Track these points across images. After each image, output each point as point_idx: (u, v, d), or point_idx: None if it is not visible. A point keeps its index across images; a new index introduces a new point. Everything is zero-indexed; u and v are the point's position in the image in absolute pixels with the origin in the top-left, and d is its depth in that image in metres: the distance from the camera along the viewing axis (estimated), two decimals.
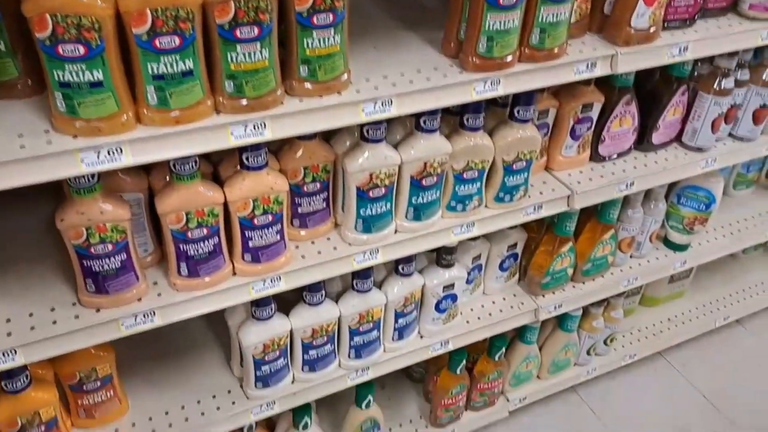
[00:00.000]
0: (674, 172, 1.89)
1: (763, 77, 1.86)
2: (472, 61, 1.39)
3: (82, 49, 1.02)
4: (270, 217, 1.40)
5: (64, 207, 1.22)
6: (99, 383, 1.53)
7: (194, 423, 1.63)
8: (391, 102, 1.33)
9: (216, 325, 1.84)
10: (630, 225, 2.04)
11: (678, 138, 1.94)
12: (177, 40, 1.07)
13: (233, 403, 1.69)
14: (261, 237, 1.41)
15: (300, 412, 1.80)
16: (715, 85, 1.79)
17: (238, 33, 1.12)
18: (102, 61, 1.05)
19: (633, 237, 2.08)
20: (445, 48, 1.47)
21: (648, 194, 2.04)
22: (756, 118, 1.92)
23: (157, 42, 1.06)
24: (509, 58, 1.40)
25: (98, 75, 1.06)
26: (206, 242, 1.36)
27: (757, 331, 2.77)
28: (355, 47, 1.38)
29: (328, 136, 1.52)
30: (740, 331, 2.77)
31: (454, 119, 1.57)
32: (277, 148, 1.47)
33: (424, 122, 1.47)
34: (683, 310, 2.65)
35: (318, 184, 1.50)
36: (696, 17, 1.61)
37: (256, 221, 1.39)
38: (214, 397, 1.70)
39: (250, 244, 1.42)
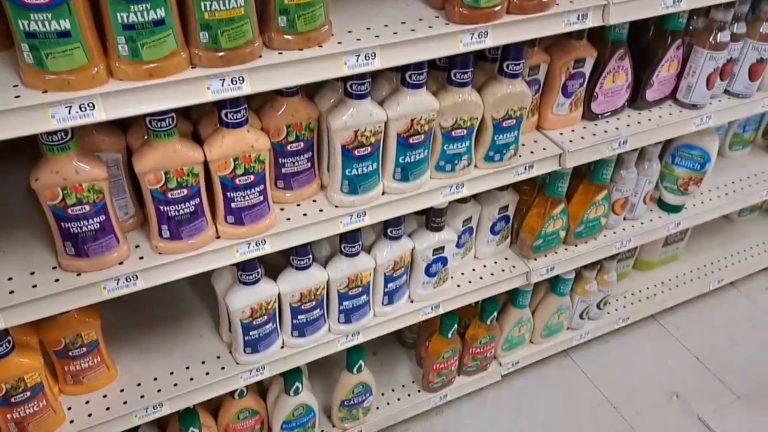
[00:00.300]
0: (668, 130, 1.85)
1: (760, 30, 1.81)
2: (458, 11, 1.34)
3: None
4: (252, 177, 1.36)
5: (39, 166, 1.18)
6: (85, 349, 1.52)
7: (183, 388, 1.62)
8: (374, 54, 1.29)
9: (204, 290, 1.82)
10: (623, 186, 2.01)
11: (672, 95, 1.89)
12: None
13: (222, 368, 1.67)
14: (243, 198, 1.38)
15: (291, 377, 1.78)
16: (710, 39, 1.74)
17: None
18: (68, 9, 1.00)
19: (626, 198, 2.05)
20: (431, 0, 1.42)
21: (642, 154, 2.00)
22: (752, 74, 1.88)
23: None
24: (497, 8, 1.35)
25: (65, 24, 1.01)
26: (187, 203, 1.33)
27: (752, 293, 2.76)
28: (337, 1, 1.34)
29: (311, 93, 1.48)
30: (734, 294, 2.76)
31: (441, 75, 1.53)
32: (259, 107, 1.42)
33: (410, 77, 1.42)
34: (677, 273, 2.64)
35: (302, 143, 1.47)
36: None
37: (237, 181, 1.35)
38: (203, 362, 1.68)
39: (233, 205, 1.38)
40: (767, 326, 2.62)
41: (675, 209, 2.20)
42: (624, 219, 2.15)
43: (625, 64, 1.73)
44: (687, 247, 2.66)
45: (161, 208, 1.32)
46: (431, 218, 1.74)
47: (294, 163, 1.49)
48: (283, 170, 1.49)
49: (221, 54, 1.15)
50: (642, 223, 2.17)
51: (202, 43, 1.14)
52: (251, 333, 1.62)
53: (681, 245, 2.62)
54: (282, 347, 1.72)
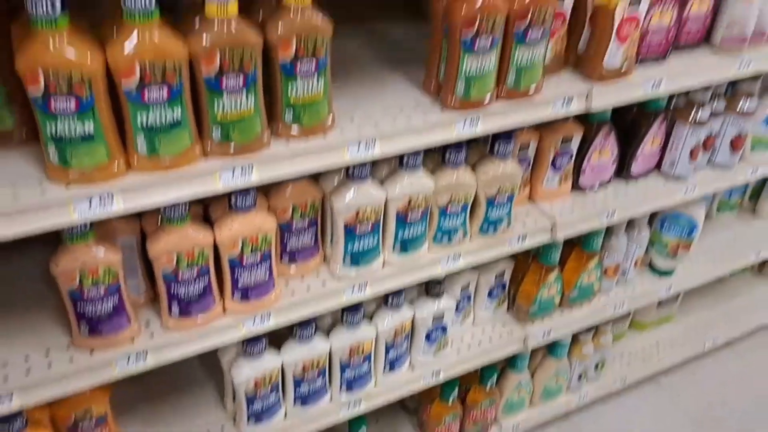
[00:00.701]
0: (655, 202, 1.93)
1: (738, 107, 1.92)
2: (451, 101, 1.44)
3: (73, 103, 1.07)
4: (259, 256, 1.43)
5: (58, 253, 1.25)
6: (94, 423, 1.55)
7: None
8: (375, 142, 1.38)
9: (210, 361, 1.86)
10: (614, 252, 2.08)
11: (657, 167, 1.99)
12: (165, 92, 1.12)
13: None
14: (250, 276, 1.45)
15: None
16: (691, 116, 1.85)
17: (224, 83, 1.17)
18: (93, 114, 1.09)
19: (618, 264, 2.12)
20: (426, 87, 1.52)
21: (631, 221, 2.08)
22: (734, 146, 1.98)
23: (145, 94, 1.11)
24: (487, 99, 1.45)
25: (89, 127, 1.10)
26: (196, 283, 1.39)
27: (744, 353, 2.80)
28: (339, 86, 1.43)
29: (315, 173, 1.57)
30: (728, 353, 2.79)
31: (436, 154, 1.62)
32: (266, 186, 1.51)
33: (408, 160, 1.51)
34: (672, 333, 2.68)
35: (306, 221, 1.54)
36: (669, 52, 1.67)
37: (245, 261, 1.42)
38: None
39: (240, 283, 1.45)
40: (760, 386, 2.65)
41: (666, 273, 2.27)
42: (617, 283, 2.21)
43: (610, 141, 1.83)
44: (680, 307, 2.71)
45: (172, 287, 1.38)
46: (430, 286, 1.81)
47: (299, 239, 1.56)
48: (288, 247, 1.56)
49: (232, 147, 1.24)
50: (635, 287, 2.23)
51: (214, 138, 1.23)
52: (255, 404, 1.66)
53: (674, 306, 2.68)
54: (285, 417, 1.75)
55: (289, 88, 1.26)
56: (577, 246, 2.02)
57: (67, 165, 1.13)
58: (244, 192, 1.34)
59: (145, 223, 1.42)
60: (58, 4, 0.99)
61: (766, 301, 2.85)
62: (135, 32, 1.06)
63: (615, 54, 1.54)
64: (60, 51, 1.02)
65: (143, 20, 1.05)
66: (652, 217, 2.16)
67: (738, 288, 2.90)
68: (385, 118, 1.42)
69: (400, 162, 1.53)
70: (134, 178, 1.18)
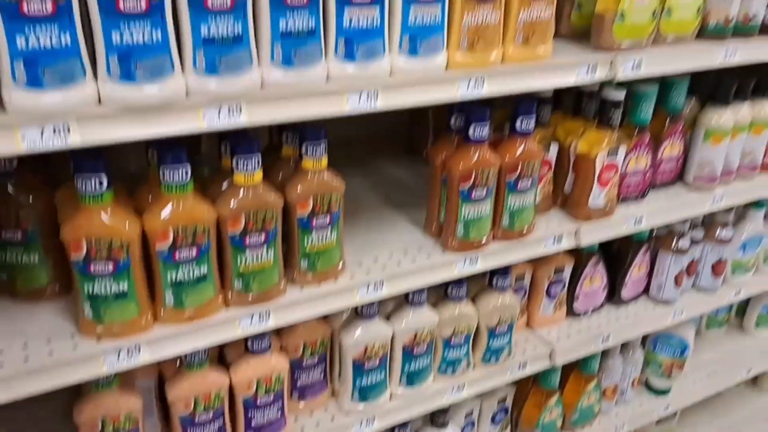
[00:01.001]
0: (646, 325, 2.02)
1: (716, 235, 2.06)
2: (451, 243, 1.56)
3: (111, 266, 1.17)
4: (272, 396, 1.49)
5: (82, 402, 1.30)
6: None
7: None
8: (383, 284, 1.48)
9: None
10: (611, 374, 2.14)
11: (646, 291, 2.09)
12: (194, 251, 1.23)
13: None
14: (263, 415, 1.49)
15: None
16: (673, 245, 1.98)
17: (247, 240, 1.28)
18: (128, 275, 1.19)
19: (615, 385, 2.17)
20: (428, 228, 1.64)
21: (625, 343, 2.16)
22: (715, 271, 2.10)
23: (176, 254, 1.21)
24: (484, 240, 1.57)
25: (123, 286, 1.19)
26: (212, 424, 1.43)
27: None
28: (347, 229, 1.55)
29: None
30: None
31: (439, 287, 1.72)
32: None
33: (413, 297, 1.61)
34: None
35: (316, 358, 1.61)
36: (647, 191, 1.83)
37: (258, 401, 1.47)
38: None
39: (253, 422, 1.49)
40: None
41: (663, 392, 2.32)
42: (616, 404, 2.25)
43: (599, 269, 1.94)
44: (679, 422, 2.73)
45: (187, 430, 1.42)
46: (435, 416, 1.84)
47: (308, 376, 1.62)
48: (299, 383, 1.62)
49: (251, 296, 1.33)
50: (633, 407, 2.27)
51: (236, 289, 1.32)
52: None
53: (673, 421, 2.69)
54: None
55: (306, 240, 1.37)
56: (576, 368, 2.09)
57: (100, 320, 1.21)
58: (261, 336, 1.42)
59: (163, 365, 1.48)
60: (104, 182, 1.11)
61: (763, 413, 2.87)
62: (171, 202, 1.18)
63: (598, 196, 1.68)
64: (103, 222, 1.13)
65: (179, 191, 1.17)
66: (644, 337, 2.24)
67: (734, 401, 2.92)
68: (391, 261, 1.53)
69: (406, 298, 1.62)
70: (160, 330, 1.26)
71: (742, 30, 1.65)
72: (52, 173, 1.34)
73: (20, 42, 0.93)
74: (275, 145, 1.47)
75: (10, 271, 1.30)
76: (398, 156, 2.11)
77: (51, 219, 1.24)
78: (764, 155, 1.96)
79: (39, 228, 1.27)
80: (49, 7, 0.92)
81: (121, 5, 0.96)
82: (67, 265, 1.22)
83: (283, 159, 1.41)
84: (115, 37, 0.98)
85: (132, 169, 1.56)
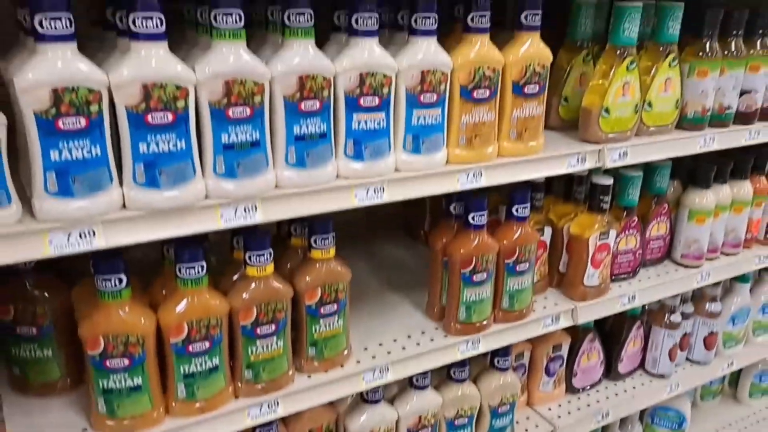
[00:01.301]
0: (643, 400, 2.05)
1: (706, 308, 2.12)
2: (454, 326, 1.60)
3: (126, 361, 1.19)
4: None
5: None
6: None
7: None
8: (388, 369, 1.51)
9: None
10: None
11: (642, 365, 2.13)
12: (207, 344, 1.26)
13: None
14: None
15: None
16: (665, 320, 2.04)
17: (258, 331, 1.31)
18: (142, 369, 1.21)
19: None
20: (430, 312, 1.69)
21: (623, 418, 2.18)
22: (707, 344, 2.15)
23: (190, 347, 1.24)
24: (485, 322, 1.62)
25: (138, 381, 1.21)
26: None
27: None
28: (351, 313, 1.58)
29: None
30: None
31: (441, 369, 1.74)
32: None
33: (417, 380, 1.63)
34: None
35: None
36: (638, 269, 1.90)
37: None
38: None
39: None
40: None
41: None
42: None
43: (596, 345, 1.99)
44: None
45: None
46: None
47: None
48: None
49: (261, 386, 1.35)
50: None
51: (245, 379, 1.34)
52: None
53: None
54: None
55: (314, 327, 1.41)
56: None
57: (113, 415, 1.22)
58: (268, 425, 1.43)
59: None
60: (124, 280, 1.15)
61: None
62: (186, 297, 1.22)
63: (592, 276, 1.75)
64: (121, 319, 1.16)
65: (194, 286, 1.22)
66: (643, 411, 2.26)
67: None
68: (395, 346, 1.56)
69: (410, 381, 1.65)
70: (172, 422, 1.27)
71: (718, 119, 1.77)
72: (68, 268, 1.37)
73: (54, 155, 0.98)
74: (283, 235, 1.52)
75: (23, 365, 1.31)
76: (395, 237, 2.17)
77: (66, 315, 1.27)
78: (746, 232, 2.05)
79: (54, 323, 1.29)
80: (83, 122, 0.99)
81: (149, 119, 1.03)
82: (79, 359, 1.24)
83: (292, 248, 1.46)
84: (143, 147, 1.04)
85: (144, 257, 1.59)
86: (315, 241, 1.36)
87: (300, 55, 1.15)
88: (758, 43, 1.78)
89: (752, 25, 1.75)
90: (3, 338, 1.31)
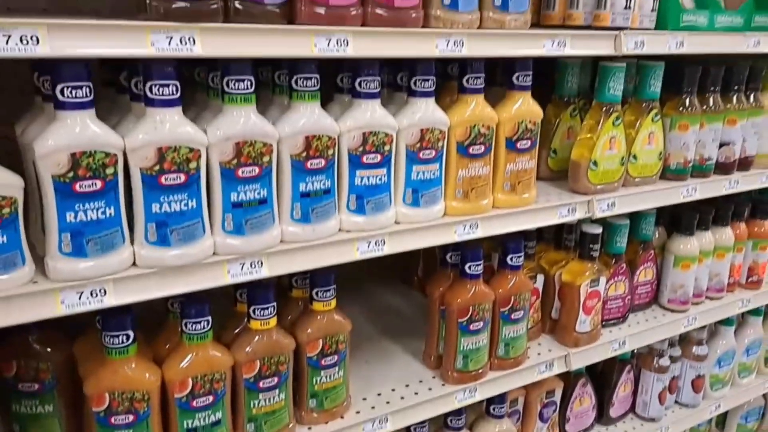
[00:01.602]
0: None
1: (693, 352, 2.17)
2: (451, 375, 1.62)
3: (131, 417, 1.19)
4: None
5: None
6: None
7: None
8: (387, 419, 1.52)
9: None
10: None
11: (632, 409, 2.16)
12: (211, 398, 1.26)
13: None
14: None
15: None
16: (654, 364, 2.08)
17: (261, 384, 1.32)
18: (147, 425, 1.21)
19: None
20: (427, 361, 1.71)
21: None
22: (695, 387, 2.19)
23: (194, 402, 1.25)
24: (482, 370, 1.64)
25: None
26: None
27: None
28: (349, 363, 1.60)
29: None
30: None
31: (438, 417, 1.76)
32: None
33: (415, 430, 1.64)
34: None
35: None
36: (627, 314, 1.95)
37: None
38: None
39: None
40: None
41: None
42: None
43: (588, 390, 2.01)
44: None
45: None
46: None
47: None
48: None
49: None
50: None
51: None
52: None
53: None
54: None
55: (314, 379, 1.42)
56: None
57: None
58: None
59: None
60: (131, 336, 1.16)
61: None
62: (191, 353, 1.23)
63: (584, 322, 1.79)
64: (127, 375, 1.17)
65: (199, 341, 1.23)
66: None
67: None
68: (394, 395, 1.58)
69: (408, 430, 1.66)
70: None
71: (699, 170, 1.85)
72: (70, 321, 1.37)
73: (69, 217, 1.01)
74: (283, 286, 1.54)
75: (24, 421, 1.30)
76: (388, 282, 2.20)
77: (69, 370, 1.27)
78: (729, 276, 2.11)
79: (56, 379, 1.29)
80: (99, 184, 1.02)
81: (163, 180, 1.06)
82: (80, 415, 1.24)
83: (293, 299, 1.49)
84: (155, 207, 1.07)
85: (145, 308, 1.60)
86: (317, 294, 1.38)
87: (306, 117, 1.20)
88: (734, 98, 1.87)
89: (728, 81, 1.85)
90: (4, 394, 1.30)
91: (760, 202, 2.17)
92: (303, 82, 1.18)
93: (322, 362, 1.41)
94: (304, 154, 1.21)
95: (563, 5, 1.58)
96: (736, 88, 1.87)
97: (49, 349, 1.29)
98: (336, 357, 1.43)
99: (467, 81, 1.40)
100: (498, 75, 1.62)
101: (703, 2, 1.71)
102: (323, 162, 1.24)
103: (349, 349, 1.46)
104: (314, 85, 1.19)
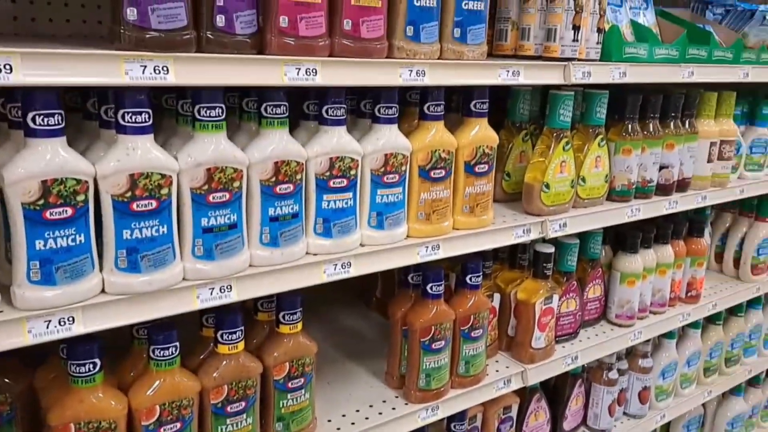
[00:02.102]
0: None
1: (639, 364, 2.28)
2: (414, 394, 1.65)
3: None
4: None
5: None
6: None
7: None
8: None
9: None
10: None
11: (584, 422, 2.24)
12: (178, 425, 1.25)
13: None
14: None
15: None
16: (603, 377, 2.17)
17: (228, 408, 1.32)
18: None
19: None
20: (389, 381, 1.74)
21: None
22: (641, 398, 2.30)
23: (161, 429, 1.23)
24: (443, 388, 1.68)
25: None
26: None
27: None
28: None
29: None
30: None
31: None
32: None
33: None
34: None
35: None
36: (579, 330, 2.03)
37: None
38: None
39: None
40: None
41: None
42: None
43: (542, 404, 2.08)
44: None
45: None
46: None
47: None
48: None
49: None
50: None
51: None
52: None
53: None
54: None
55: (281, 402, 1.42)
56: None
57: None
58: None
59: None
60: (98, 364, 1.15)
61: None
62: (158, 379, 1.22)
63: (539, 338, 1.86)
64: (93, 404, 1.15)
65: (167, 368, 1.22)
66: None
67: None
68: (358, 416, 1.60)
69: None
70: None
71: (641, 191, 1.97)
72: (30, 351, 1.34)
73: (39, 245, 1.00)
74: (248, 308, 1.54)
75: None
76: (348, 303, 2.22)
77: (29, 401, 1.24)
78: (670, 292, 2.23)
79: (15, 410, 1.25)
80: (69, 212, 1.01)
81: (134, 206, 1.06)
82: None
83: (259, 322, 1.49)
84: (126, 234, 1.07)
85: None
86: (283, 317, 1.40)
87: (275, 143, 1.22)
88: (671, 124, 2.01)
89: (666, 108, 1.98)
90: None
91: (696, 221, 2.32)
92: (272, 110, 1.21)
93: (289, 385, 1.42)
94: (273, 179, 1.23)
95: (515, 37, 1.68)
96: (673, 114, 2.00)
97: (7, 380, 1.26)
98: (302, 380, 1.44)
99: (428, 108, 1.45)
100: (456, 102, 1.69)
101: (643, 36, 1.83)
102: (291, 187, 1.26)
103: (315, 371, 1.48)
104: (283, 113, 1.22)
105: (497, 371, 1.83)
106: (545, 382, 2.09)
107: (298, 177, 1.27)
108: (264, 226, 1.25)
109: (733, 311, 2.61)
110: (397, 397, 1.69)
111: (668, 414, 2.42)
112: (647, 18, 1.88)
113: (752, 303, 2.66)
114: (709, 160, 2.14)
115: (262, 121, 1.22)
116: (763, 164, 2.42)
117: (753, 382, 2.83)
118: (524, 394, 2.05)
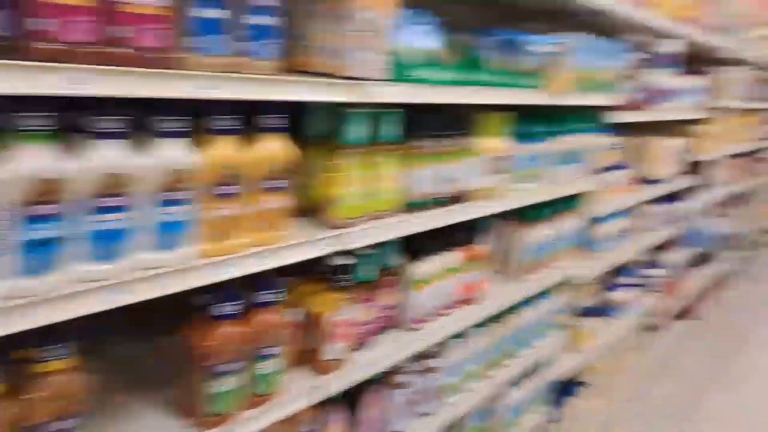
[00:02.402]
0: None
1: (428, 365, 2.41)
2: (207, 420, 1.56)
3: None
4: None
5: None
6: None
7: None
8: None
9: None
10: None
11: (382, 427, 2.32)
12: None
13: None
14: None
15: None
16: (398, 381, 2.26)
17: None
18: None
19: None
20: (180, 410, 1.63)
21: None
22: (433, 397, 2.44)
23: None
24: (237, 410, 1.62)
25: None
26: None
27: None
28: (98, 428, 1.46)
29: None
30: None
31: None
32: None
33: None
34: None
35: None
36: (377, 337, 2.10)
37: None
38: None
39: None
40: None
41: None
42: None
43: (342, 415, 2.11)
44: None
45: None
46: None
47: None
48: None
49: None
50: None
51: None
52: None
53: None
54: None
55: None
56: None
57: None
58: None
59: None
60: None
61: None
62: None
63: (335, 350, 1.88)
64: None
65: None
66: None
67: None
68: None
69: None
70: None
71: (438, 202, 2.10)
72: None
73: None
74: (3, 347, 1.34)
75: None
76: (126, 332, 2.02)
77: None
78: (456, 295, 2.41)
79: None
80: None
81: None
82: None
83: (16, 361, 1.29)
84: None
85: None
86: (48, 352, 1.23)
87: (37, 158, 1.07)
88: (456, 140, 2.15)
89: (451, 126, 2.13)
90: None
91: (476, 230, 2.52)
92: (34, 122, 1.05)
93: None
94: (33, 199, 1.08)
95: (310, 54, 1.67)
96: (458, 132, 2.16)
97: None
98: (73, 421, 1.29)
99: (218, 123, 1.38)
100: (250, 117, 1.63)
101: (431, 59, 1.95)
102: (55, 208, 1.11)
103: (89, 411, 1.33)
104: (48, 125, 1.07)
105: (295, 386, 1.81)
106: (344, 392, 2.13)
107: (65, 197, 1.13)
108: (22, 253, 1.09)
109: (512, 309, 2.89)
110: (191, 426, 1.59)
111: (457, 409, 2.59)
112: (433, 42, 2.00)
113: (527, 301, 2.97)
114: (490, 173, 2.34)
115: (20, 135, 1.06)
116: (536, 176, 2.71)
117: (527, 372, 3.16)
118: (324, 407, 2.06)
